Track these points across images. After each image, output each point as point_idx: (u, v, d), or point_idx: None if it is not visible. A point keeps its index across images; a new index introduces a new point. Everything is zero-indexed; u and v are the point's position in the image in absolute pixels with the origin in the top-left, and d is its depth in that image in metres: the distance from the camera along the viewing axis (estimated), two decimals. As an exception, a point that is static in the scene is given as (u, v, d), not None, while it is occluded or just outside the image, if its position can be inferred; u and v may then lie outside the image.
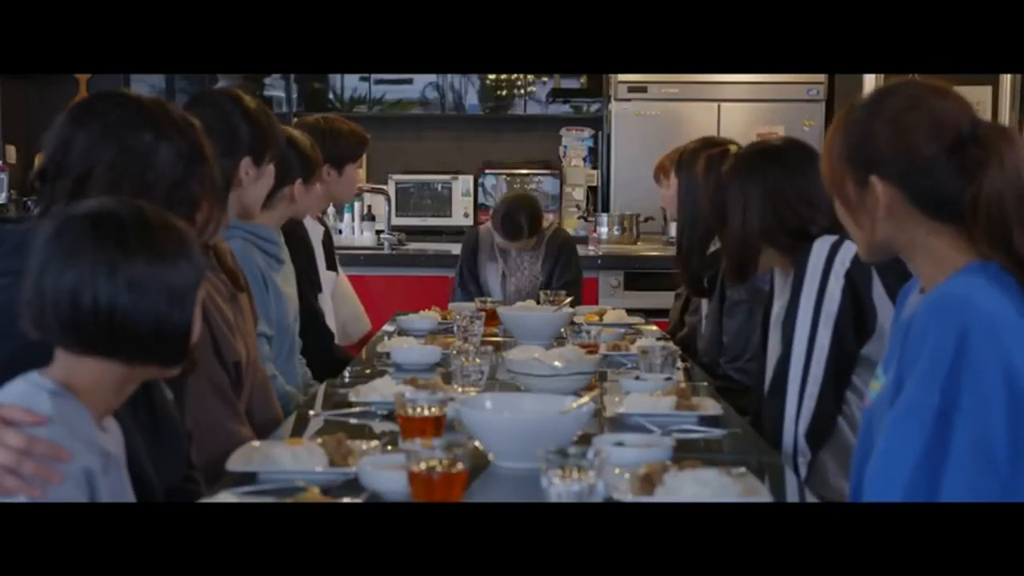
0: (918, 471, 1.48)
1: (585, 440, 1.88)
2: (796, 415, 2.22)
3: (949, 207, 1.58)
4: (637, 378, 2.48)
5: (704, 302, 3.41)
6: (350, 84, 6.56)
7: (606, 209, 6.02)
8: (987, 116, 5.92)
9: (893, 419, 1.53)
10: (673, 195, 3.69)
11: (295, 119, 3.62)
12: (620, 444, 1.84)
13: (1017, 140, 1.59)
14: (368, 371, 2.79)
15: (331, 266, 3.69)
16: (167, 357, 1.52)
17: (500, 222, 4.23)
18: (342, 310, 3.74)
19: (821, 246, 2.27)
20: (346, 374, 2.77)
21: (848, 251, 2.22)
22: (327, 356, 3.24)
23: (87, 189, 1.69)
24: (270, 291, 2.86)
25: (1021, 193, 1.56)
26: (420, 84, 6.54)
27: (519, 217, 4.20)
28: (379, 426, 2.18)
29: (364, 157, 3.59)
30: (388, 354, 2.91)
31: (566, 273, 4.34)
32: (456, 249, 4.75)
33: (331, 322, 3.49)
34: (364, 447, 1.85)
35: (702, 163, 2.59)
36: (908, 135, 1.60)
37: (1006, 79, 5.77)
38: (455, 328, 3.05)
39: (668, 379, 2.47)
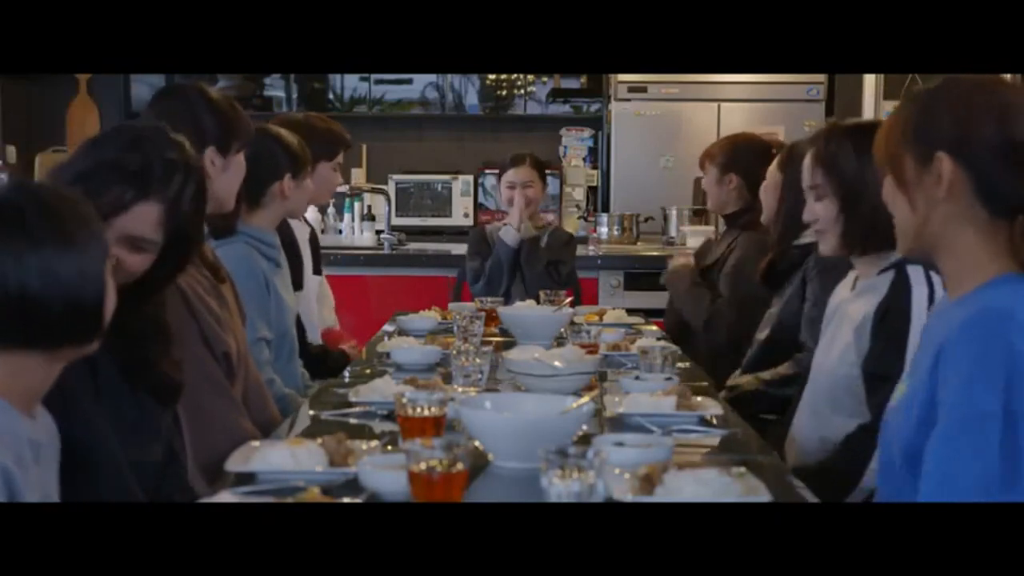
0: (989, 481, 1.46)
1: (585, 440, 1.88)
2: None
3: (1004, 201, 1.57)
4: (637, 378, 2.48)
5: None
6: (350, 84, 6.57)
7: (606, 209, 6.02)
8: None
9: (945, 436, 1.50)
10: (714, 182, 3.76)
11: (275, 117, 3.58)
12: (620, 444, 1.84)
13: None
14: (368, 371, 2.79)
15: (316, 270, 3.69)
16: (83, 336, 1.53)
17: (507, 158, 4.41)
18: (322, 313, 3.75)
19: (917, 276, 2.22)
20: (346, 374, 2.77)
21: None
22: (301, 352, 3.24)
23: None
24: (271, 295, 2.87)
25: None
26: (420, 84, 6.54)
27: (523, 152, 4.42)
28: (379, 426, 2.17)
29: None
30: (388, 354, 2.91)
31: (568, 265, 4.35)
32: (456, 249, 4.75)
33: (311, 323, 3.49)
34: (364, 447, 1.85)
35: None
36: (979, 116, 1.58)
37: (1006, 79, 5.76)
38: (455, 328, 3.05)
39: (668, 379, 2.47)
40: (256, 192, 2.88)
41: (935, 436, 1.51)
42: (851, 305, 2.31)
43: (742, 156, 3.73)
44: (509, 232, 4.27)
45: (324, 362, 3.33)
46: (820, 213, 2.34)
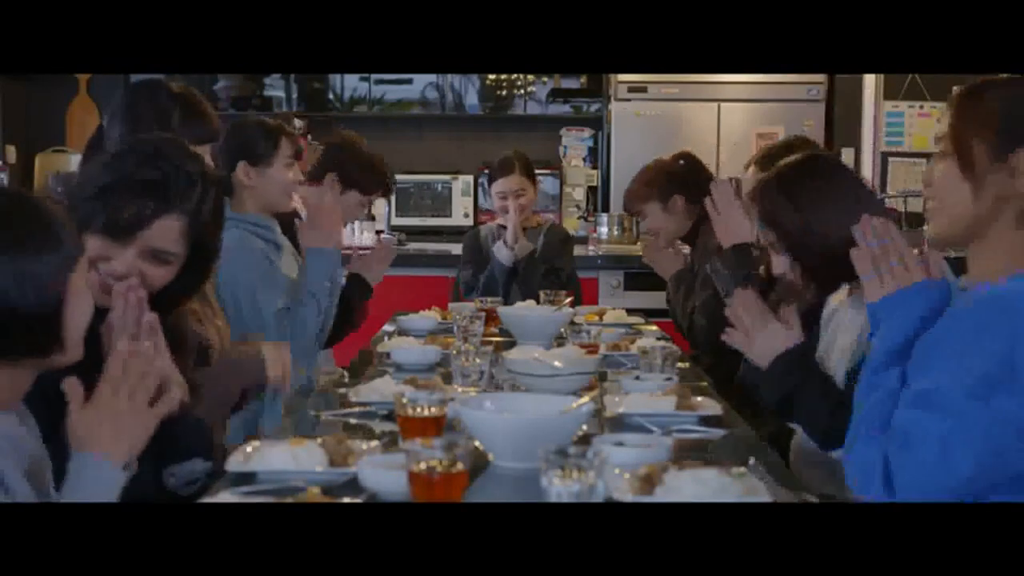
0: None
1: (585, 440, 1.88)
2: None
3: None
4: (637, 378, 2.48)
5: None
6: (350, 84, 6.56)
7: (606, 209, 6.01)
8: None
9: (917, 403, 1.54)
10: (660, 214, 3.77)
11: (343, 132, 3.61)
12: (620, 444, 1.84)
13: None
14: (368, 371, 2.79)
15: None
16: (38, 347, 1.49)
17: (494, 164, 4.41)
18: None
19: None
20: (346, 374, 2.77)
21: None
22: None
23: None
24: (276, 270, 2.94)
25: None
26: (420, 84, 6.54)
27: (510, 156, 4.38)
28: (379, 426, 2.18)
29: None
30: (388, 354, 2.91)
31: (567, 265, 4.34)
32: (456, 249, 4.75)
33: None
34: (364, 447, 1.85)
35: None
36: None
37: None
38: (455, 328, 3.05)
39: (668, 379, 2.47)
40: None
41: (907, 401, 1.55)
42: (847, 314, 2.31)
43: (675, 176, 3.75)
44: (503, 251, 4.25)
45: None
46: (783, 265, 2.31)
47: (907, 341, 1.64)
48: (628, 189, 3.91)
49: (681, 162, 3.79)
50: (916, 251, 1.76)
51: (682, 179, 3.73)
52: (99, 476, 1.51)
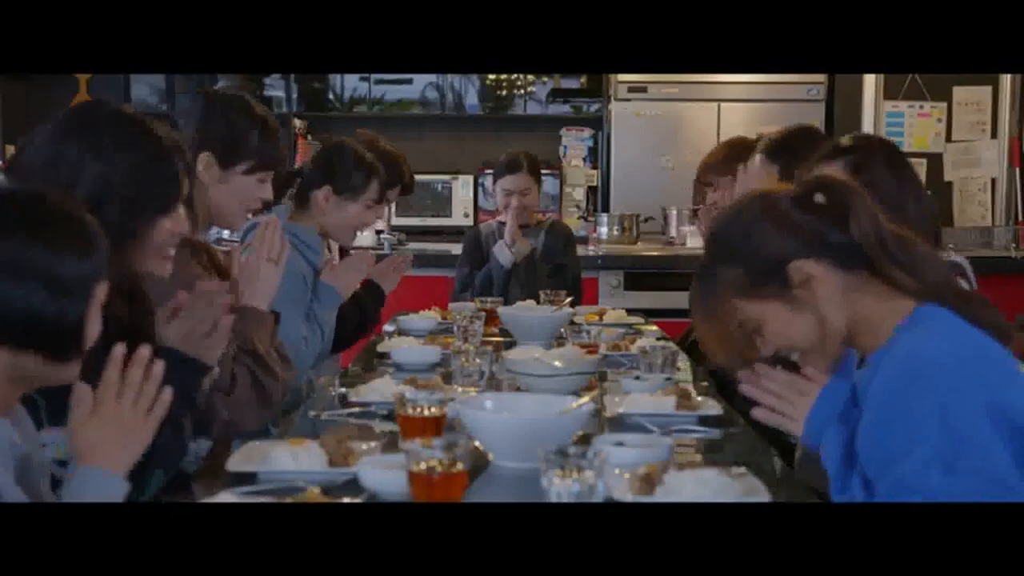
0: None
1: (585, 440, 1.88)
2: None
3: (853, 255, 1.64)
4: (637, 378, 2.48)
5: None
6: (350, 84, 6.56)
7: (606, 209, 6.01)
8: (987, 116, 5.94)
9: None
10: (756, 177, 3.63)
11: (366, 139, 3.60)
12: (620, 444, 1.84)
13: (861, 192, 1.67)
14: (368, 371, 2.79)
15: None
16: (49, 350, 1.46)
17: (501, 161, 4.36)
18: None
19: None
20: (336, 382, 2.77)
21: None
22: None
23: None
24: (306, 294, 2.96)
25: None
26: (420, 84, 6.54)
27: (517, 155, 4.35)
28: (379, 426, 2.18)
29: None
30: (388, 354, 2.91)
31: (569, 263, 4.33)
32: (456, 249, 4.74)
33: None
34: (364, 447, 1.85)
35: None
36: (747, 223, 1.68)
37: (1006, 79, 5.77)
38: (455, 328, 3.05)
39: (668, 379, 2.47)
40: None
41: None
42: None
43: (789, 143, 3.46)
44: (503, 251, 4.25)
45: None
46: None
47: (846, 447, 1.66)
48: (705, 159, 3.74)
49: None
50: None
51: (793, 150, 3.58)
52: (104, 489, 1.50)
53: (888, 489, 1.55)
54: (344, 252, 3.46)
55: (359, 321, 3.25)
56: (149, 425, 1.56)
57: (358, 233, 3.28)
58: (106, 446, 1.52)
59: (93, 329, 1.50)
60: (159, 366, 1.57)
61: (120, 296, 1.86)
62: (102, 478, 1.51)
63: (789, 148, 2.87)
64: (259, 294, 2.25)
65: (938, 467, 1.50)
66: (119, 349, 1.56)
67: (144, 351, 1.58)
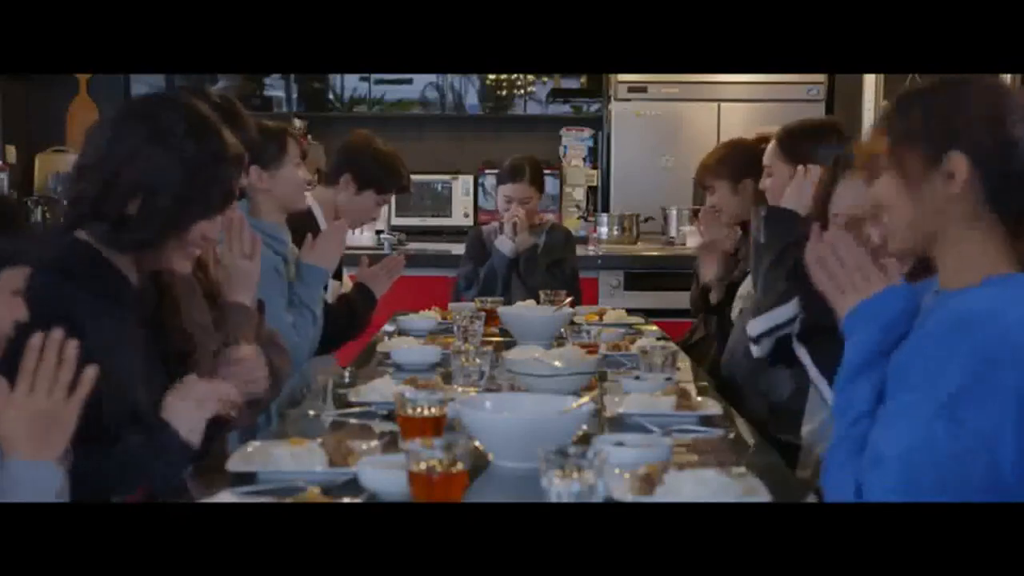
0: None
1: (585, 440, 1.88)
2: None
3: (1013, 203, 1.57)
4: (637, 378, 2.48)
5: None
6: (350, 84, 6.56)
7: (606, 209, 6.01)
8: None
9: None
10: (728, 194, 3.62)
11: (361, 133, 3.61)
12: (620, 444, 1.84)
13: None
14: (368, 371, 2.79)
15: (337, 275, 3.68)
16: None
17: (505, 167, 4.33)
18: None
19: None
20: (346, 374, 2.77)
21: None
22: None
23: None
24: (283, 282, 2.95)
25: None
26: (420, 84, 6.54)
27: (521, 162, 4.31)
28: (379, 426, 2.18)
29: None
30: (388, 354, 2.91)
31: (568, 259, 4.33)
32: (456, 249, 4.74)
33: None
34: (364, 447, 1.85)
35: None
36: (1001, 115, 1.58)
37: (1005, 79, 5.77)
38: (455, 328, 3.05)
39: (668, 379, 2.47)
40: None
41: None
42: None
43: (752, 159, 3.60)
44: (505, 242, 4.25)
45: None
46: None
47: (872, 353, 1.63)
48: (703, 161, 3.73)
49: (763, 146, 3.64)
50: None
51: (759, 163, 3.61)
52: (36, 479, 1.47)
53: (892, 411, 1.54)
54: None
55: (348, 322, 3.25)
56: (71, 408, 1.51)
57: (307, 193, 3.29)
58: (28, 436, 1.48)
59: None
60: (72, 346, 1.51)
61: (153, 288, 1.88)
62: (31, 468, 1.48)
63: (803, 139, 2.94)
64: (240, 290, 2.27)
65: (944, 418, 1.48)
66: (36, 339, 1.51)
67: (56, 334, 1.51)
